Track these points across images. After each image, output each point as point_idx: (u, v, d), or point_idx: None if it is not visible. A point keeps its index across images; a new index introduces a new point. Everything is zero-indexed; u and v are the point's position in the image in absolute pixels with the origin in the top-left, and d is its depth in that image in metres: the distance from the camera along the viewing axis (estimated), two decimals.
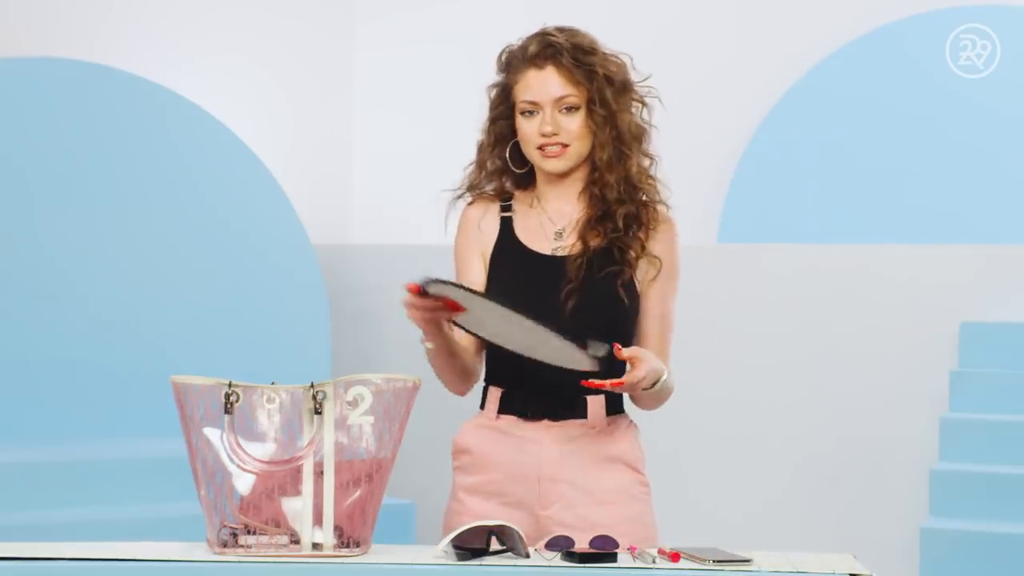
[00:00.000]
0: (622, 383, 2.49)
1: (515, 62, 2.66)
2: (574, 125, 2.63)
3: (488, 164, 2.73)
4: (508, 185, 2.73)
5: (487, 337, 2.49)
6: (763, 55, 6.30)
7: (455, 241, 2.76)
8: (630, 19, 6.28)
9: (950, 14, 6.03)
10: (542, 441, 2.63)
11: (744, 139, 6.23)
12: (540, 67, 2.63)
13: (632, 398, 2.66)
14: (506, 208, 2.72)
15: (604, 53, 2.66)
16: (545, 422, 2.64)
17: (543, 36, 2.65)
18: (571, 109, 2.63)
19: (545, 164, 2.66)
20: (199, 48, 6.07)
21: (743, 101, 6.26)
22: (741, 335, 5.42)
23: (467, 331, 2.51)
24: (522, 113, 2.65)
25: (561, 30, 2.67)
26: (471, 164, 2.75)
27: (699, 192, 6.20)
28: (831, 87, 6.13)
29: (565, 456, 2.63)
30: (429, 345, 2.55)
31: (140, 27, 5.88)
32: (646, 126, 2.69)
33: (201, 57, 6.06)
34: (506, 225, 2.71)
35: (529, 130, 2.64)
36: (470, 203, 2.75)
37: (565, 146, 2.64)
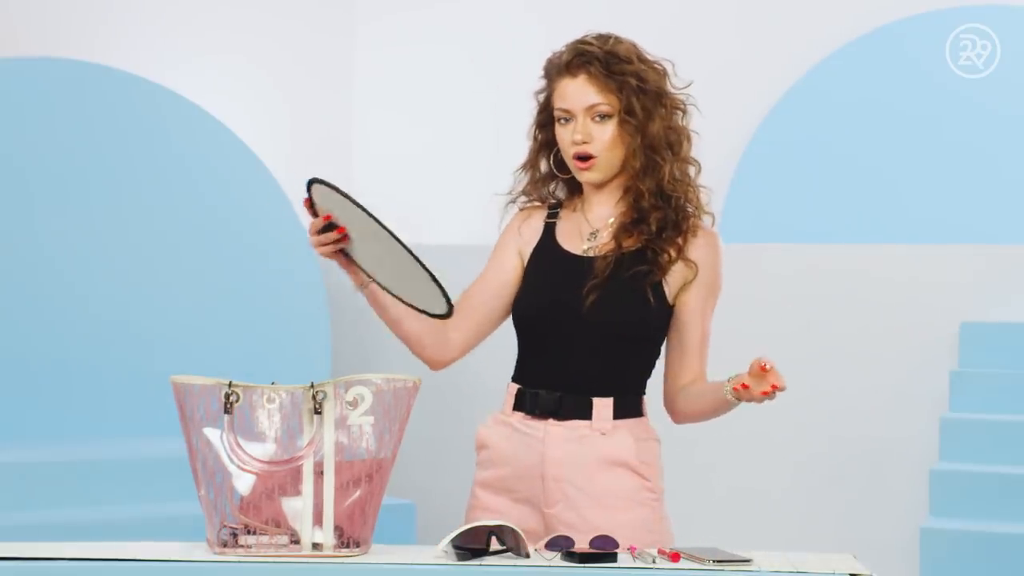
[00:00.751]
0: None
1: (552, 70, 2.69)
2: (606, 134, 2.64)
3: (536, 170, 2.76)
4: (559, 191, 2.76)
5: (363, 267, 2.52)
6: (763, 55, 6.29)
7: (497, 243, 2.79)
8: (630, 19, 6.27)
9: (950, 14, 6.02)
10: (547, 440, 2.64)
11: (744, 139, 6.23)
12: (573, 75, 2.64)
13: (708, 408, 2.67)
14: (552, 215, 2.75)
15: (642, 60, 2.66)
16: (551, 421, 2.65)
17: (577, 44, 2.66)
18: (604, 117, 2.64)
19: (580, 175, 2.68)
20: (198, 48, 6.07)
21: (743, 101, 6.25)
22: (741, 335, 5.41)
23: (353, 263, 2.53)
24: (558, 121, 2.67)
25: (599, 37, 2.67)
26: (520, 169, 2.77)
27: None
28: (831, 87, 6.13)
29: (568, 456, 2.63)
30: (360, 289, 2.58)
31: (139, 27, 5.88)
32: (684, 133, 2.69)
33: (200, 57, 6.06)
34: (548, 229, 2.73)
35: (564, 138, 2.67)
36: (521, 208, 2.78)
37: (592, 157, 2.64)
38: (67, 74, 5.08)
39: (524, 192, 2.78)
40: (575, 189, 2.76)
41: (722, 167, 6.24)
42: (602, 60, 2.63)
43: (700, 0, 6.42)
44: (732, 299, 5.46)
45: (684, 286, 2.66)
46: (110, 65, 5.23)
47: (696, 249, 2.67)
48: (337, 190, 2.44)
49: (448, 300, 2.45)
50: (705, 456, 5.41)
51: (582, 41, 2.67)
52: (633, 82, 2.63)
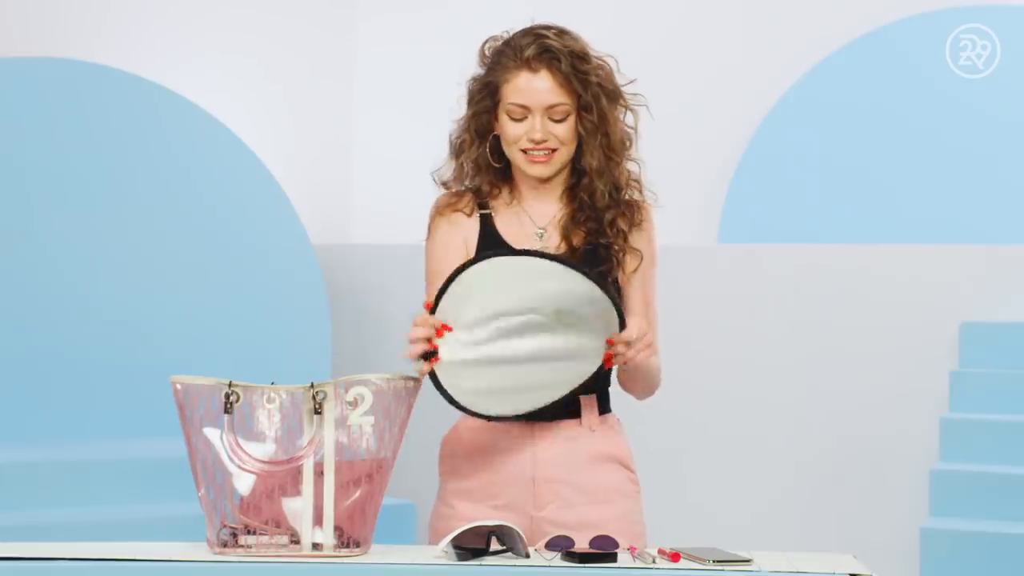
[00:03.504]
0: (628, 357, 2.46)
1: (505, 60, 2.60)
2: (563, 131, 2.59)
3: (467, 161, 2.67)
4: (485, 182, 2.68)
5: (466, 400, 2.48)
6: (763, 56, 6.30)
7: (429, 246, 2.69)
8: (632, 20, 6.28)
9: (950, 14, 6.03)
10: (537, 442, 2.62)
11: (744, 139, 6.23)
12: (534, 71, 2.57)
13: (626, 379, 2.64)
14: (483, 206, 2.68)
15: (595, 58, 2.61)
16: (539, 423, 2.63)
17: (539, 38, 2.59)
18: (561, 116, 2.60)
19: (530, 169, 2.62)
20: (199, 48, 6.07)
21: (743, 101, 6.26)
22: (741, 335, 5.42)
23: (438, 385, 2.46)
24: (509, 114, 2.60)
25: (554, 30, 2.60)
26: (448, 162, 2.70)
27: (699, 192, 6.20)
28: (831, 87, 6.13)
29: (561, 456, 2.62)
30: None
31: (139, 27, 5.87)
32: (631, 131, 2.67)
33: (201, 57, 6.06)
34: (486, 223, 2.67)
35: (516, 132, 2.60)
36: (444, 206, 2.69)
37: (553, 151, 2.61)
38: (67, 74, 5.07)
39: (451, 181, 2.68)
40: (501, 178, 2.69)
41: (722, 167, 6.24)
42: (567, 58, 2.57)
43: (701, 1, 6.42)
44: (732, 299, 5.49)
45: (629, 274, 2.64)
46: (110, 65, 5.23)
47: (640, 238, 2.66)
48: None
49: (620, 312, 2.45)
50: (705, 456, 5.41)
51: (542, 34, 2.59)
52: (594, 80, 2.59)
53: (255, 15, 6.34)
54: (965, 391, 4.97)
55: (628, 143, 2.65)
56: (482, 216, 2.67)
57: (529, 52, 2.58)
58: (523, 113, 2.59)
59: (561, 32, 2.61)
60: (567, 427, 2.62)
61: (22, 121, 4.96)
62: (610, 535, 2.38)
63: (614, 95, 2.62)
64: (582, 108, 2.59)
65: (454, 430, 2.69)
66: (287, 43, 6.47)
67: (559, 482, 2.61)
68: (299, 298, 5.42)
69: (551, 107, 2.58)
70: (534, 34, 2.60)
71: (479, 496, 2.63)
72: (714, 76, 6.26)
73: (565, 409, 2.60)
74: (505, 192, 2.69)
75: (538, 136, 2.59)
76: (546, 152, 2.60)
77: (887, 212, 6.03)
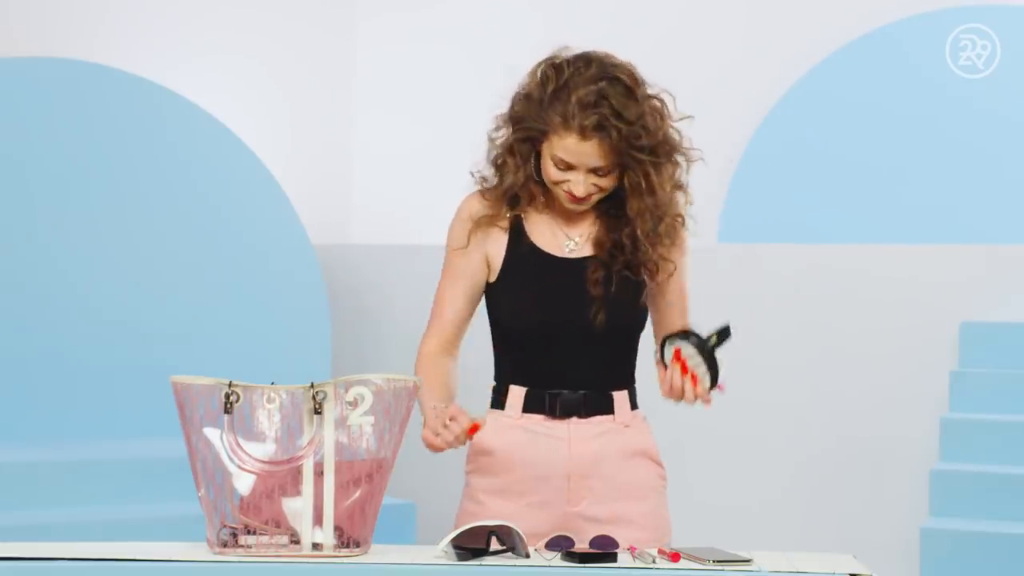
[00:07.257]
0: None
1: (554, 115, 2.55)
2: (606, 183, 2.59)
3: (510, 178, 2.65)
4: (525, 191, 2.67)
5: None
6: (763, 55, 6.30)
7: (451, 270, 2.69)
8: (632, 20, 6.28)
9: (950, 14, 6.03)
10: (571, 438, 2.63)
11: (744, 139, 6.23)
12: (586, 138, 2.53)
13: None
14: (513, 207, 2.67)
15: (653, 113, 2.58)
16: (573, 419, 2.63)
17: (598, 105, 2.52)
18: (606, 173, 2.58)
19: (568, 205, 2.63)
20: (199, 48, 6.07)
21: (743, 101, 6.26)
22: (741, 335, 5.41)
23: None
24: (554, 161, 2.57)
25: (617, 89, 2.54)
26: (489, 168, 2.67)
27: (699, 192, 6.19)
28: (831, 87, 6.13)
29: (595, 452, 2.62)
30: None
31: (139, 27, 5.88)
32: (683, 181, 2.67)
33: (201, 57, 6.06)
34: (517, 229, 2.67)
35: (558, 177, 2.58)
36: (480, 215, 2.67)
37: (590, 196, 2.61)
38: (67, 74, 5.07)
39: (488, 191, 2.67)
40: (536, 184, 2.67)
41: (722, 167, 6.24)
42: (623, 132, 2.53)
43: (702, 1, 6.42)
44: (732, 299, 5.48)
45: (664, 280, 2.68)
46: (110, 65, 5.23)
47: (671, 253, 2.69)
48: None
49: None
50: (706, 456, 5.41)
51: (603, 95, 2.53)
52: (647, 157, 2.57)
53: (255, 15, 6.34)
54: (965, 391, 4.97)
55: (678, 195, 2.66)
56: (514, 220, 2.67)
57: (586, 122, 2.53)
58: (568, 167, 2.58)
59: (621, 91, 2.54)
60: (601, 423, 2.63)
61: (22, 121, 4.96)
62: (643, 529, 2.39)
63: (665, 154, 2.61)
64: (629, 168, 2.58)
65: (485, 428, 2.68)
66: (287, 43, 6.47)
67: (592, 478, 2.62)
68: (299, 298, 5.42)
69: (596, 168, 2.57)
70: (597, 93, 2.54)
71: (512, 494, 2.63)
72: (714, 76, 6.26)
73: (598, 405, 2.62)
74: (539, 198, 2.68)
75: (580, 193, 2.58)
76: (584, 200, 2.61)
77: (887, 212, 6.03)
